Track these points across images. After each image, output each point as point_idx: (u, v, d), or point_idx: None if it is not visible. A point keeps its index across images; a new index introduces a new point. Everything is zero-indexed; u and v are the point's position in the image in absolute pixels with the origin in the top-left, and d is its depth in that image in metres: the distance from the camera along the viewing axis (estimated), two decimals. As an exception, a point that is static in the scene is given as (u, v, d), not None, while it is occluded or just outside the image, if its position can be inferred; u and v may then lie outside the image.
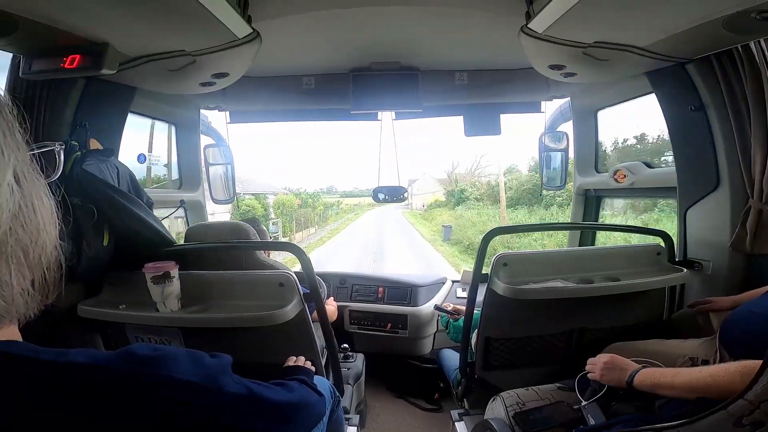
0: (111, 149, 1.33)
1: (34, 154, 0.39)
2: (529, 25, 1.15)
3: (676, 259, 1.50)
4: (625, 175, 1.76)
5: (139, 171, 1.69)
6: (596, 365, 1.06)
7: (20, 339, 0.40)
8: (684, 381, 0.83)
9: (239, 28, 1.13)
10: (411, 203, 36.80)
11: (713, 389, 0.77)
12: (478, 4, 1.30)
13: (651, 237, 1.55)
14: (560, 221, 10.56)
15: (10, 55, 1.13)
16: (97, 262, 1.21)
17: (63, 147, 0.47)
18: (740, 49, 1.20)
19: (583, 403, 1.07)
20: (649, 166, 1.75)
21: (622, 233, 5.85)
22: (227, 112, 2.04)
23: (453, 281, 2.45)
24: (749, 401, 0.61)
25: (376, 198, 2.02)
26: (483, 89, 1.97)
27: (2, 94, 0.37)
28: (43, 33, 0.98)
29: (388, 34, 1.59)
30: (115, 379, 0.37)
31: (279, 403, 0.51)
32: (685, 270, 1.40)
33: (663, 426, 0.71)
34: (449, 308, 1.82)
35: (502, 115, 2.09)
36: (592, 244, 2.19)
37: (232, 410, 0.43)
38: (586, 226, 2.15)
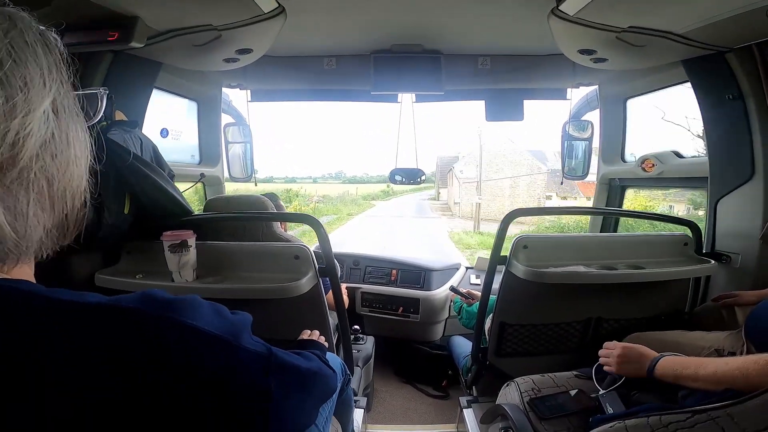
0: (135, 121, 1.35)
1: (79, 96, 0.40)
2: (560, 7, 1.12)
3: (704, 251, 1.45)
4: (653, 165, 1.70)
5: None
6: (610, 358, 1.04)
7: (33, 281, 0.38)
8: (709, 373, 0.81)
9: (265, 2, 1.13)
10: (478, 205, 16.70)
11: (741, 382, 0.74)
12: None
13: (678, 227, 1.50)
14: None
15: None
16: (117, 230, 1.23)
17: (107, 92, 0.47)
18: None
19: (601, 391, 1.05)
20: (679, 155, 1.69)
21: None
22: (248, 91, 2.05)
23: (467, 267, 2.43)
24: None
25: (393, 180, 2.00)
26: (507, 74, 1.93)
27: (59, 40, 0.38)
28: (76, 6, 1.00)
29: (411, 16, 1.56)
30: (132, 320, 0.36)
31: (297, 367, 0.50)
32: (713, 262, 1.36)
33: (708, 408, 0.68)
34: (464, 291, 1.81)
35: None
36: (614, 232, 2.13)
37: (250, 367, 0.42)
38: (611, 212, 2.10)
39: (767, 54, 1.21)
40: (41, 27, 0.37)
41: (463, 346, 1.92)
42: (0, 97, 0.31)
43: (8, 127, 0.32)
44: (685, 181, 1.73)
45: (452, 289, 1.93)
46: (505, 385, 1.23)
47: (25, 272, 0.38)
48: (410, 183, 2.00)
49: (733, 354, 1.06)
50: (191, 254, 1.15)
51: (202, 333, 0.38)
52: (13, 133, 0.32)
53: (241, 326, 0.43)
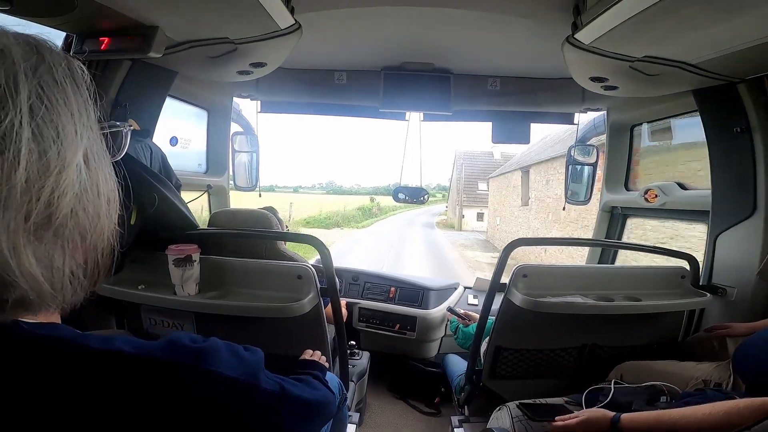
0: (147, 130, 1.37)
1: (104, 133, 0.38)
2: (575, 36, 1.13)
3: (701, 283, 1.46)
4: (656, 195, 1.71)
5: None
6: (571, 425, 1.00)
7: (60, 321, 0.39)
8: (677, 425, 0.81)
9: (283, 18, 1.14)
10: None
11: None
12: (522, 12, 1.27)
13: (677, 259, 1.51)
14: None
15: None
16: (122, 241, 1.24)
17: (131, 128, 0.47)
18: None
19: None
20: (683, 187, 1.70)
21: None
22: (258, 102, 2.07)
23: (465, 287, 2.43)
24: None
25: (397, 198, 2.02)
26: (515, 97, 1.94)
27: (85, 71, 0.36)
28: (98, 14, 1.01)
29: (423, 35, 1.58)
30: (160, 371, 0.37)
31: (305, 401, 0.53)
32: (708, 295, 1.37)
33: None
34: (461, 312, 1.81)
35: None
36: (612, 263, 2.14)
37: (266, 406, 0.44)
38: (611, 244, 2.10)
39: None
40: (68, 55, 0.36)
41: (457, 364, 1.92)
42: (33, 153, 0.29)
43: (43, 185, 0.30)
44: (688, 213, 1.74)
45: (450, 309, 1.94)
46: (497, 409, 1.23)
47: (55, 317, 0.39)
48: (414, 202, 2.02)
49: (719, 385, 1.08)
50: (195, 269, 1.16)
51: (225, 378, 0.40)
52: (47, 192, 0.30)
53: (257, 366, 0.45)
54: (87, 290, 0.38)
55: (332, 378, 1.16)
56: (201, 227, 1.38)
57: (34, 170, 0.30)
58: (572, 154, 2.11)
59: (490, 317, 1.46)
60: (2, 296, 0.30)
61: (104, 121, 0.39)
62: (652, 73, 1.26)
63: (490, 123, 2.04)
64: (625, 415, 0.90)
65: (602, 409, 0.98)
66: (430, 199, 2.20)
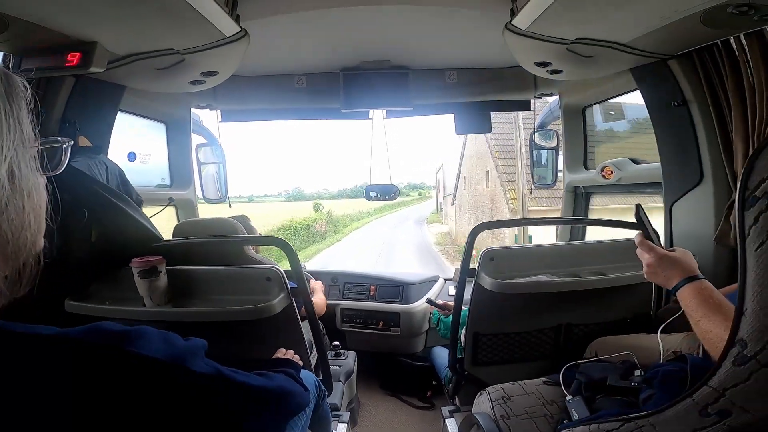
0: (99, 146, 1.34)
1: (39, 149, 0.40)
2: (513, 22, 1.17)
3: None
4: (612, 171, 1.78)
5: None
6: (646, 255, 0.90)
7: None
8: (701, 334, 0.76)
9: (227, 26, 1.14)
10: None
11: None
12: (463, 2, 1.31)
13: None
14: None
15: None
16: (84, 259, 1.22)
17: (71, 144, 0.47)
18: (720, 44, 1.22)
19: (568, 397, 1.08)
20: (635, 162, 1.77)
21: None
22: (218, 111, 2.05)
23: (445, 279, 2.46)
24: (713, 388, 0.58)
25: (369, 196, 2.05)
26: (473, 87, 1.99)
27: (27, 87, 0.37)
28: (33, 32, 0.99)
29: (377, 34, 1.61)
30: (79, 351, 0.37)
31: (250, 386, 0.52)
32: None
33: (635, 416, 0.71)
34: (440, 303, 1.83)
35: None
36: (582, 240, 2.20)
37: (201, 389, 0.44)
38: (569, 221, 2.18)
39: (706, 60, 1.28)
40: (7, 73, 0.37)
41: (444, 356, 1.94)
42: None
43: None
44: (644, 186, 1.81)
45: (428, 301, 1.96)
46: (478, 394, 1.25)
47: None
48: (385, 199, 2.05)
49: (689, 355, 1.10)
50: (162, 279, 1.14)
51: (148, 360, 0.40)
52: None
53: (190, 352, 0.45)
54: (10, 295, 0.38)
55: (307, 375, 1.16)
56: (165, 239, 1.36)
57: None
58: (534, 139, 2.18)
59: (465, 306, 1.49)
60: None
61: (38, 138, 0.40)
62: (589, 54, 1.31)
63: (452, 115, 2.09)
64: (700, 282, 0.79)
65: (693, 264, 0.85)
66: (405, 199, 2.23)
